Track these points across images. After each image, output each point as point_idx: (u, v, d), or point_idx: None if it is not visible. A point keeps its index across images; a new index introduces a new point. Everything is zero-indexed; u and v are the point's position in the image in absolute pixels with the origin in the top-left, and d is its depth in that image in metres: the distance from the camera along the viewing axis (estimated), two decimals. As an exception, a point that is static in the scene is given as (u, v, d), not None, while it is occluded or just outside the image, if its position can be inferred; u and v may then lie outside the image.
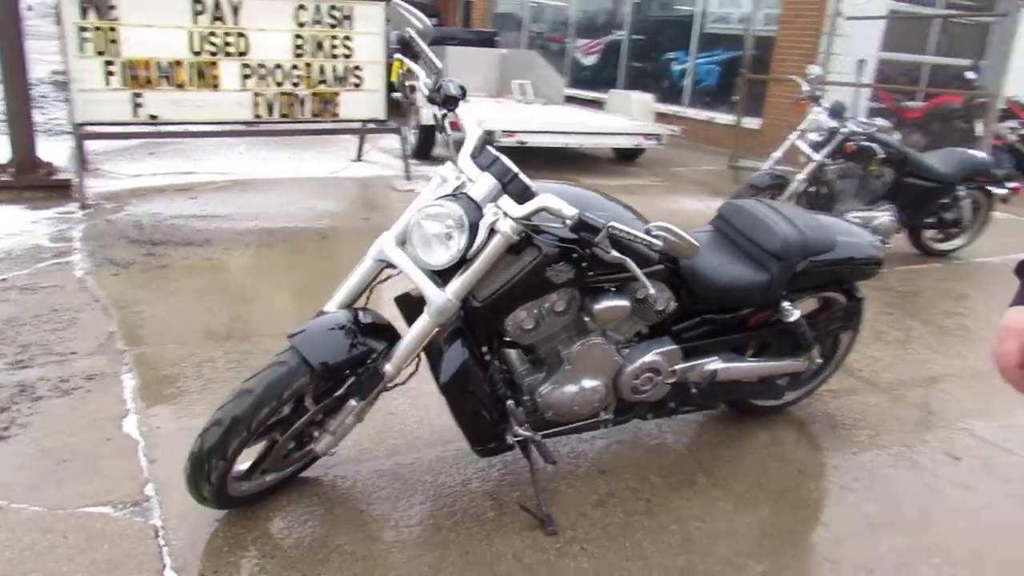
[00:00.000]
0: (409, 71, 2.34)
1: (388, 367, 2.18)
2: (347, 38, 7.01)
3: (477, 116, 7.48)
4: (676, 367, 2.62)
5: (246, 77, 6.71)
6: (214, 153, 7.87)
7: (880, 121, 5.26)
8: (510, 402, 2.36)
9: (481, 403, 2.31)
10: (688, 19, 11.70)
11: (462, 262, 2.10)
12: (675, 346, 2.60)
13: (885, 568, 2.26)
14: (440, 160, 8.23)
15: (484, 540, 2.27)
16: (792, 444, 2.95)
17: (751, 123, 10.52)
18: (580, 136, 7.87)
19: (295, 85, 6.87)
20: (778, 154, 5.52)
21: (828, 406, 3.23)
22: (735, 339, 2.74)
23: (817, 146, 5.23)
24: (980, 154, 5.72)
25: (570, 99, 11.17)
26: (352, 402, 2.20)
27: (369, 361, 2.18)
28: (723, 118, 11.00)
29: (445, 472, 2.61)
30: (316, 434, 2.28)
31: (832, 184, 5.31)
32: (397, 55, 2.60)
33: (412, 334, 2.17)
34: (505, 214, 2.10)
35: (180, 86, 6.45)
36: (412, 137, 8.19)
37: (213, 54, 6.54)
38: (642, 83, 12.64)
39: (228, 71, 6.65)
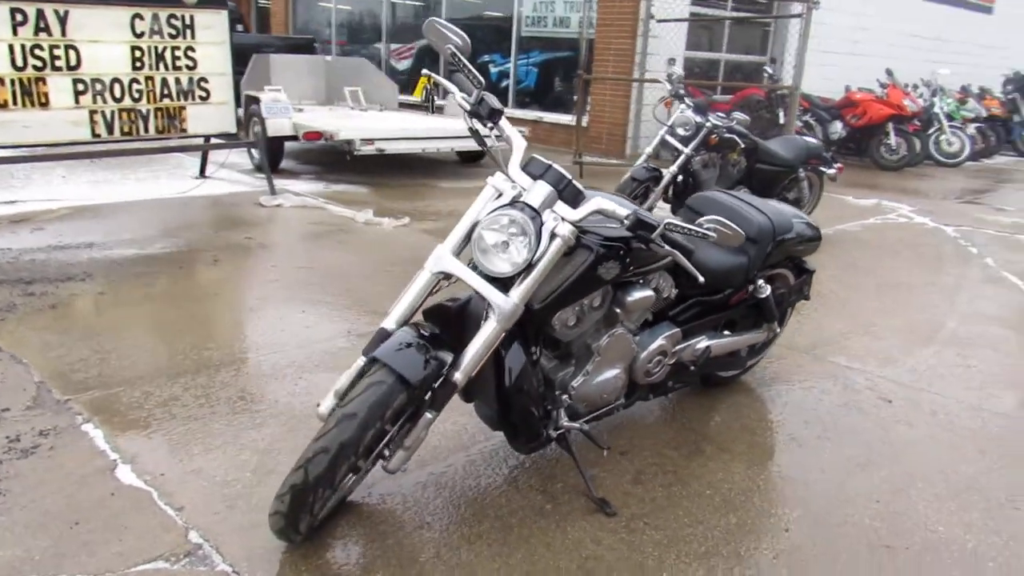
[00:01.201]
0: (436, 86, 2.37)
1: (458, 375, 2.22)
2: (190, 48, 6.62)
3: (331, 125, 7.36)
4: (677, 348, 2.86)
5: (80, 93, 6.15)
6: (28, 179, 7.12)
7: (738, 115, 5.86)
8: (565, 396, 2.48)
9: (532, 401, 2.40)
10: (506, 22, 12.11)
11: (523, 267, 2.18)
12: (676, 329, 2.83)
13: (887, 497, 2.64)
14: (289, 173, 8.02)
15: (557, 530, 2.38)
16: (762, 407, 3.30)
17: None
18: (437, 141, 7.97)
19: (136, 100, 6.39)
20: (650, 149, 5.97)
21: (769, 371, 3.62)
22: (720, 318, 3.03)
23: (685, 140, 5.72)
24: (813, 140, 6.53)
25: (402, 105, 11.19)
26: (428, 415, 2.22)
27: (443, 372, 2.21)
28: (549, 117, 11.54)
29: (484, 475, 2.67)
30: (387, 452, 2.27)
31: (697, 174, 5.83)
32: (425, 71, 2.61)
33: (480, 341, 2.22)
34: (563, 219, 2.21)
35: (3, 105, 5.80)
36: (255, 152, 7.89)
37: (39, 69, 5.93)
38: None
39: (58, 87, 6.06)
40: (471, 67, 2.28)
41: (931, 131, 11.64)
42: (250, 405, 3.08)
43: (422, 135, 7.91)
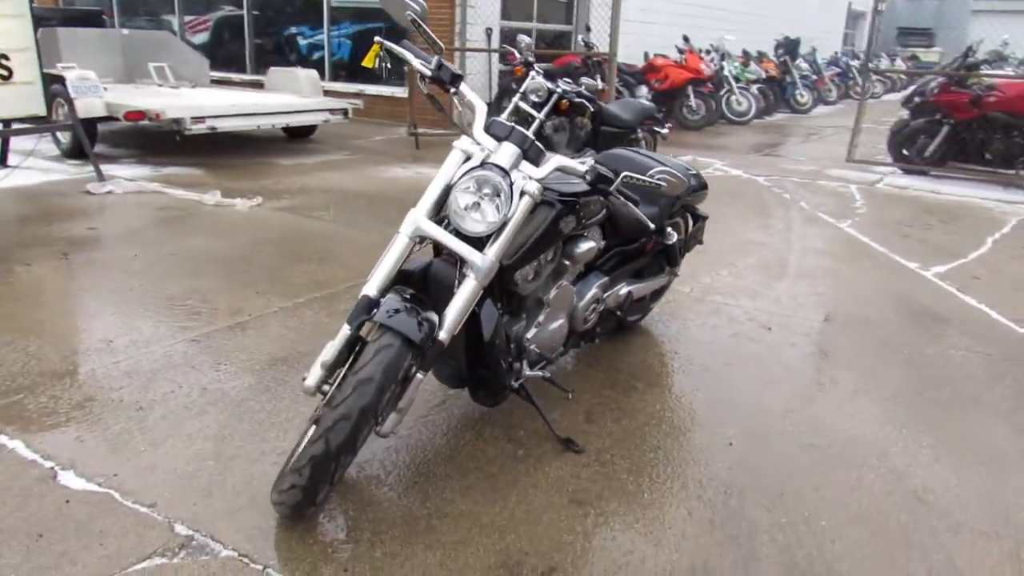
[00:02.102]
0: (389, 53, 2.39)
1: (443, 335, 2.29)
2: (-17, 22, 5.91)
3: (154, 104, 6.88)
4: (606, 295, 3.09)
5: None
6: None
7: (587, 80, 6.16)
8: (533, 347, 2.62)
9: (502, 354, 2.53)
10: (318, -7, 11.75)
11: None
12: (606, 278, 3.06)
13: (797, 406, 3.04)
14: (106, 158, 7.39)
15: (537, 472, 2.53)
16: (669, 344, 3.62)
17: (402, 92, 11.11)
18: (271, 117, 7.68)
19: (-79, 81, 5.64)
20: (503, 117, 6.12)
21: (662, 312, 3.96)
22: (636, 265, 3.29)
23: (537, 106, 5.95)
24: (648, 102, 7.01)
25: (215, 81, 10.58)
26: (419, 376, 2.27)
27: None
28: (371, 89, 11.38)
29: (450, 434, 2.76)
30: (380, 416, 2.30)
31: (549, 138, 6.10)
32: (377, 38, 2.58)
33: (461, 300, 2.30)
34: (530, 177, 2.34)
35: None
36: (61, 136, 7.22)
37: None
38: (270, 59, 12.41)
39: None
40: (432, 34, 2.31)
41: (723, 92, 12.78)
42: (180, 396, 2.93)
43: (254, 111, 7.59)
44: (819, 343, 3.67)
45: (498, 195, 2.26)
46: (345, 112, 8.20)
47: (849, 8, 25.10)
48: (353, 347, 2.23)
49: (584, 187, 2.53)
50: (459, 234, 2.28)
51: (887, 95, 21.46)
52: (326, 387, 2.24)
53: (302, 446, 2.06)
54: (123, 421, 2.75)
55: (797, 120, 14.21)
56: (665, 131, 6.86)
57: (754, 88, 13.53)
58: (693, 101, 11.87)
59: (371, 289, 2.25)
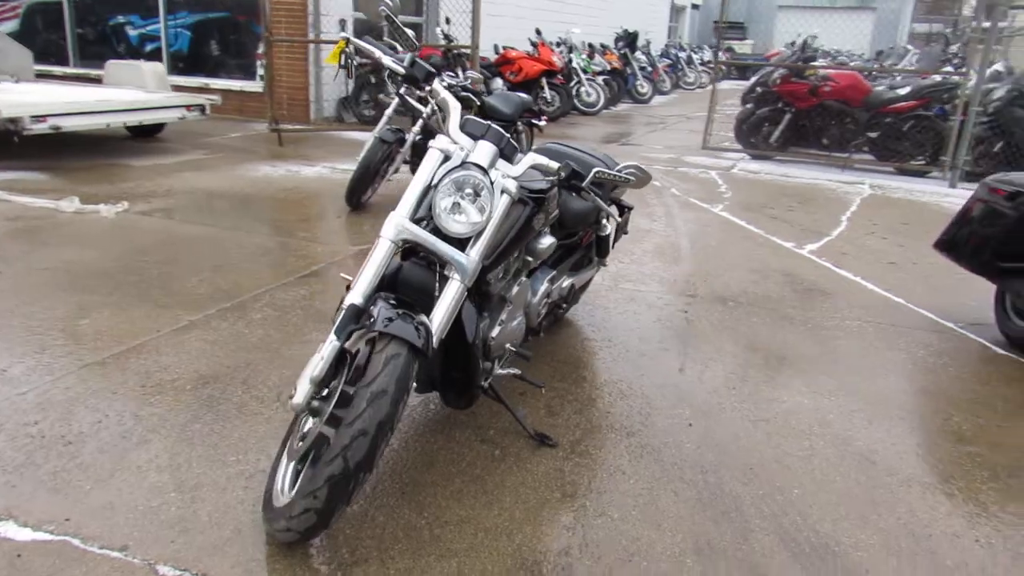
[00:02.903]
0: (357, 51, 2.30)
1: (434, 340, 2.25)
2: None
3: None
4: (553, 288, 3.14)
5: None
6: None
7: (473, 74, 6.15)
8: (509, 345, 2.62)
9: (481, 355, 2.51)
10: (151, -20, 10.95)
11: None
12: (553, 271, 3.11)
13: (737, 383, 3.23)
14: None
15: (522, 470, 2.54)
16: (601, 333, 3.72)
17: (253, 86, 10.61)
18: (122, 114, 7.10)
19: None
20: (390, 111, 6.01)
21: (585, 302, 4.06)
22: (575, 257, 3.36)
23: (424, 100, 5.88)
24: (524, 95, 7.07)
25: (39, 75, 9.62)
26: (412, 384, 2.22)
27: None
28: (217, 83, 10.78)
29: (423, 441, 2.70)
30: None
31: (435, 132, 6.04)
32: (343, 34, 2.44)
33: (448, 302, 2.25)
34: (509, 176, 2.34)
35: None
36: None
37: None
38: (95, 51, 11.48)
39: None
40: (406, 30, 2.24)
41: (573, 84, 13.16)
42: (112, 425, 2.69)
43: (103, 108, 6.97)
44: (733, 323, 3.90)
45: (480, 195, 2.23)
46: (203, 108, 7.72)
47: (672, 3, 26.51)
48: (343, 360, 2.14)
49: (544, 184, 2.54)
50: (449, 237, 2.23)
51: (719, 84, 22.92)
52: (315, 403, 2.13)
53: (286, 467, 1.97)
54: (53, 459, 2.48)
55: (640, 110, 14.88)
56: (542, 123, 6.99)
57: (600, 79, 14.01)
58: (548, 93, 12.13)
59: (356, 297, 2.16)
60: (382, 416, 1.91)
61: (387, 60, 2.36)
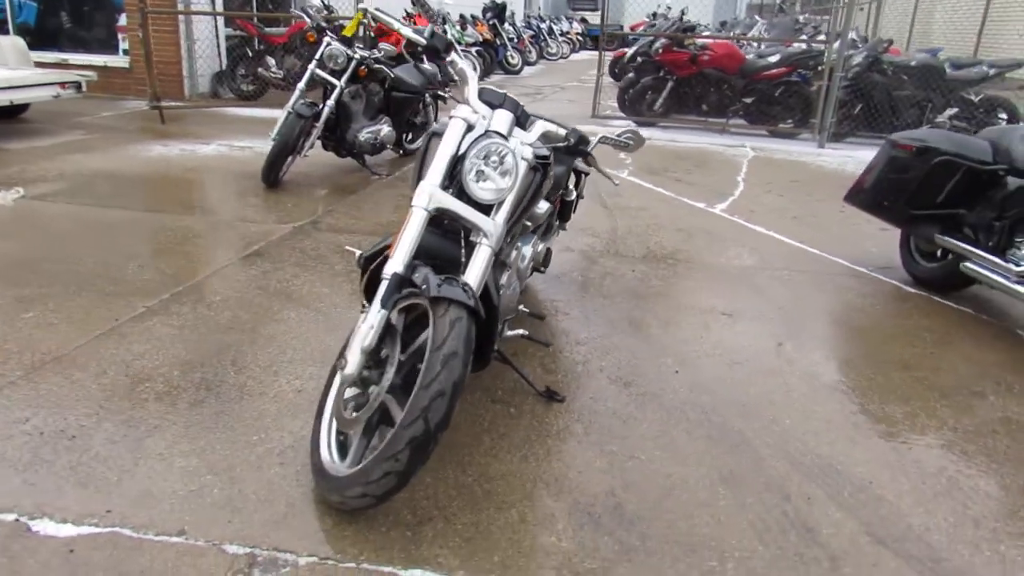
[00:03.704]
0: (375, 21, 2.30)
1: (470, 303, 2.33)
2: None
3: None
4: (536, 252, 3.26)
5: None
6: None
7: (385, 46, 6.09)
8: (521, 307, 2.73)
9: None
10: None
11: None
12: (535, 236, 3.23)
13: (723, 328, 3.49)
14: None
15: (542, 425, 2.67)
16: (568, 297, 3.89)
17: (117, 61, 9.95)
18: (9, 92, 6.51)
19: None
20: (302, 85, 5.86)
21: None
22: (549, 222, 3.49)
23: (336, 73, 5.80)
24: (431, 67, 7.07)
25: None
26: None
27: None
28: (77, 58, 10.03)
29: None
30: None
31: (347, 106, 5.97)
32: (361, 6, 2.40)
33: (479, 267, 2.33)
34: (526, 143, 2.44)
35: None
36: None
37: None
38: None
39: None
40: (427, 2, 2.27)
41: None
42: (113, 414, 2.60)
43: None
44: (678, 279, 4.17)
45: (503, 163, 2.32)
46: (79, 85, 7.20)
47: (529, -26, 26.78)
48: (389, 328, 2.19)
49: (546, 151, 2.64)
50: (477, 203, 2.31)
51: (574, 55, 23.52)
52: (365, 372, 2.18)
53: (329, 437, 2.13)
54: (64, 454, 2.38)
55: (513, 81, 15.07)
56: (449, 95, 7.03)
57: (473, 51, 14.07)
58: (427, 64, 12.05)
59: (398, 266, 2.20)
60: (456, 377, 1.98)
61: (407, 31, 2.39)
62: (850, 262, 4.57)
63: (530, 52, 18.61)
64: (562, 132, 2.54)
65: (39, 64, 8.50)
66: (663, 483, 2.35)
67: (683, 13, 9.47)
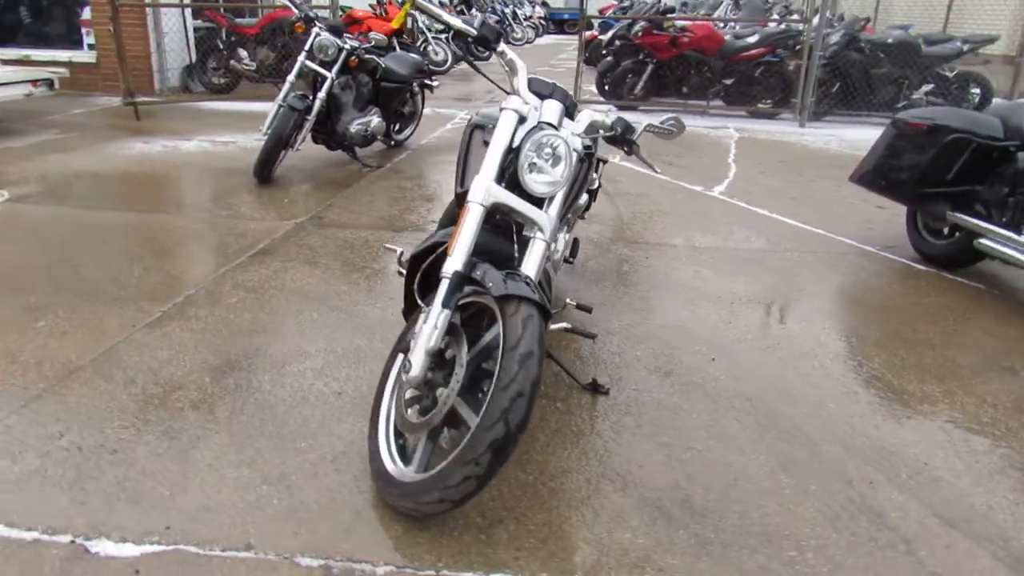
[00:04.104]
0: (423, 13, 2.24)
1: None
2: None
3: None
4: (566, 242, 3.23)
5: None
6: None
7: (375, 35, 5.98)
8: (568, 300, 2.70)
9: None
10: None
11: None
12: (565, 227, 3.20)
13: (748, 313, 3.49)
14: None
15: (594, 420, 2.64)
16: (584, 278, 3.86)
17: (83, 57, 9.66)
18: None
19: None
20: (292, 77, 5.73)
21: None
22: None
23: (327, 64, 5.67)
24: (418, 56, 6.97)
25: None
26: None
27: None
28: (40, 54, 9.70)
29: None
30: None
31: (337, 97, 5.86)
32: None
33: (535, 261, 2.29)
34: (576, 135, 2.40)
35: None
36: None
37: None
38: None
39: None
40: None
41: (419, 43, 12.97)
42: (151, 426, 2.52)
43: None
44: (696, 266, 4.17)
45: (556, 155, 2.27)
46: (51, 83, 6.97)
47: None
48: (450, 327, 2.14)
49: (587, 140, 2.60)
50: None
51: (539, 39, 23.43)
52: (429, 374, 2.13)
53: (388, 441, 2.15)
54: (108, 469, 2.30)
55: (484, 67, 14.68)
56: (436, 84, 6.95)
57: (443, 37, 13.90)
58: (414, 53, 11.89)
59: (458, 264, 2.15)
60: (533, 376, 1.94)
61: (456, 21, 2.31)
62: (857, 241, 4.61)
63: (497, 37, 18.44)
64: (608, 121, 2.50)
65: (1, 62, 8.22)
66: (725, 473, 2.34)
67: (659, -3, 9.42)
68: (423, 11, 2.31)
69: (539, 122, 2.30)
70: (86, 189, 5.29)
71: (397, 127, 6.92)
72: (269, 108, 5.71)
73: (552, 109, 2.33)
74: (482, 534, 2.06)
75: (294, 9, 5.88)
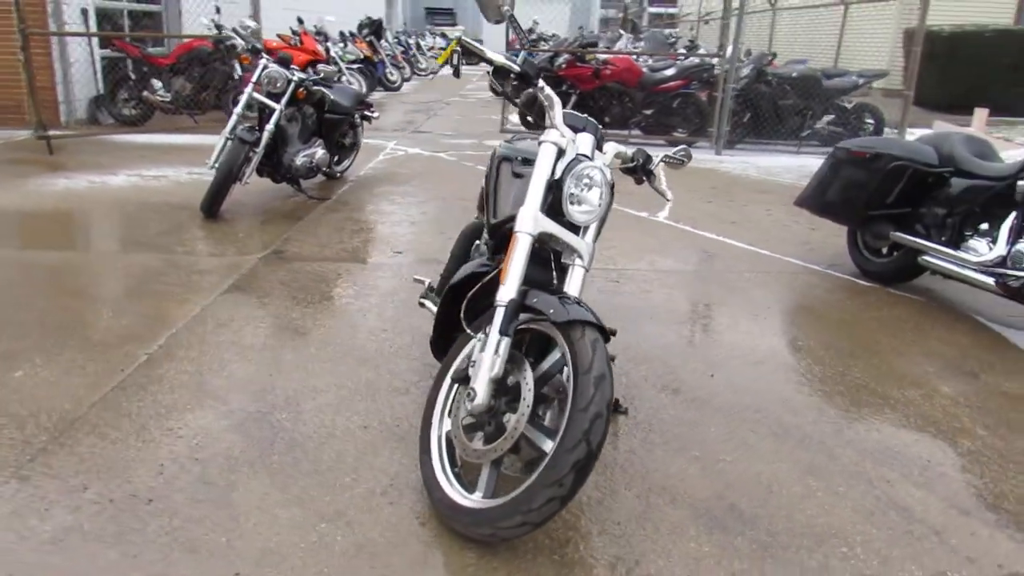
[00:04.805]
0: (465, 50, 2.31)
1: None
2: None
3: None
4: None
5: None
6: None
7: (323, 67, 5.95)
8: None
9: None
10: None
11: None
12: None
13: (729, 331, 3.68)
14: None
15: (619, 440, 2.74)
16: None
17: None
18: None
19: None
20: (239, 109, 5.63)
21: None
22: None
23: (275, 96, 5.62)
24: (358, 88, 6.96)
25: None
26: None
27: None
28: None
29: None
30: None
31: (284, 129, 5.80)
32: (456, 33, 2.35)
33: (575, 284, 2.38)
34: (608, 166, 2.52)
35: None
36: None
37: None
38: None
39: None
40: (521, 27, 2.30)
41: (335, 75, 12.90)
42: (177, 471, 2.44)
43: None
44: (664, 289, 4.36)
45: (594, 185, 2.38)
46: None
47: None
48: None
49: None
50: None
51: (445, 70, 23.64)
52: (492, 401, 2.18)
53: (445, 469, 2.20)
54: (149, 519, 2.22)
55: (395, 98, 14.99)
56: (376, 115, 6.97)
57: (355, 68, 13.89)
58: (355, 84, 11.83)
59: (511, 293, 2.22)
60: (608, 397, 2.02)
61: (500, 59, 2.38)
62: (802, 261, 4.92)
63: (404, 68, 18.53)
64: (630, 153, 2.63)
65: None
66: (759, 481, 2.48)
67: (581, 29, 9.74)
68: (468, 50, 2.36)
69: (577, 155, 2.40)
70: (17, 228, 5.02)
71: (337, 159, 6.87)
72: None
73: (586, 142, 2.44)
74: (554, 555, 2.11)
75: (239, 41, 5.78)
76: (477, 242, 3.08)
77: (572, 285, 2.35)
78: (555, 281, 2.42)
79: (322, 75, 6.06)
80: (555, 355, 2.19)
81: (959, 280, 3.92)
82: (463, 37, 2.46)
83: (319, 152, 6.07)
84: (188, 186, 6.35)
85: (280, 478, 2.41)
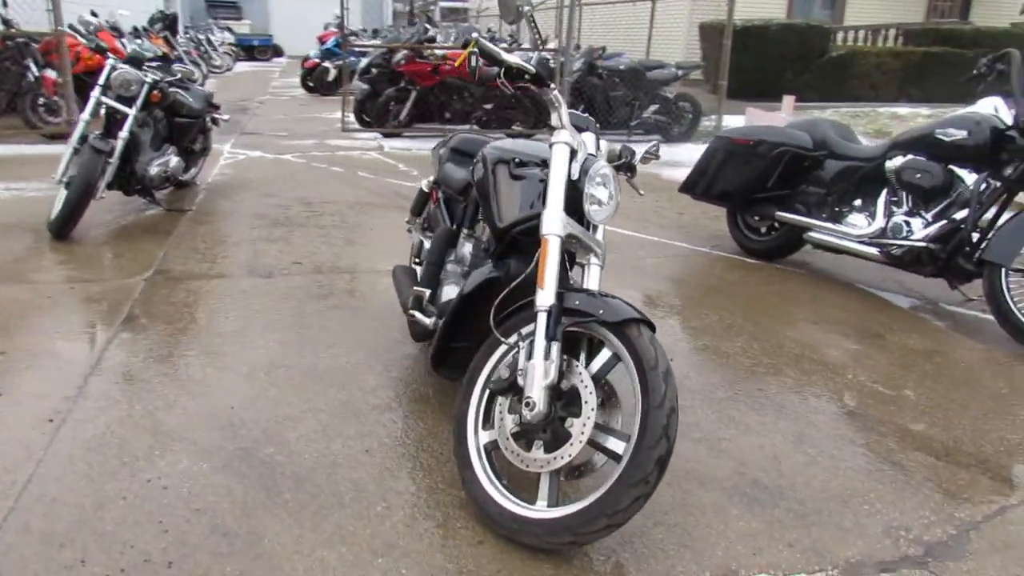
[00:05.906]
0: (482, 52, 2.24)
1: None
2: None
3: None
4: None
5: None
6: None
7: (182, 68, 5.43)
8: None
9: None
10: None
11: None
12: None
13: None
14: None
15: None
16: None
17: None
18: None
19: None
20: (86, 116, 5.02)
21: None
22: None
23: (127, 100, 5.09)
24: (205, 89, 6.43)
25: None
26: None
27: None
28: None
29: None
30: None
31: (137, 136, 5.26)
32: (474, 35, 2.20)
33: (594, 282, 2.41)
34: (609, 164, 2.57)
35: None
36: None
37: None
38: None
39: None
40: (539, 28, 2.27)
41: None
42: (196, 528, 2.21)
43: None
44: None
45: (609, 185, 2.42)
46: None
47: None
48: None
49: None
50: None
51: (239, 66, 22.44)
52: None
53: (494, 484, 2.18)
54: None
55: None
56: (227, 118, 6.54)
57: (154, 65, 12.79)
58: (201, 86, 10.76)
59: (551, 297, 2.20)
60: (676, 391, 2.07)
61: (515, 60, 2.31)
62: (687, 243, 5.24)
63: (201, 65, 17.34)
64: (617, 149, 2.68)
65: None
66: (764, 453, 2.65)
67: (425, 28, 9.63)
68: (485, 52, 2.28)
69: (588, 154, 2.42)
70: None
71: (186, 165, 6.33)
72: None
73: (591, 141, 2.46)
74: (625, 552, 2.13)
75: (80, 39, 5.15)
76: (451, 249, 3.00)
77: (591, 283, 2.36)
78: (571, 280, 2.42)
79: (179, 75, 5.53)
80: (605, 355, 2.19)
81: (844, 252, 4.36)
82: (480, 39, 2.38)
83: (173, 159, 5.59)
84: (11, 203, 5.61)
85: (306, 517, 2.23)
